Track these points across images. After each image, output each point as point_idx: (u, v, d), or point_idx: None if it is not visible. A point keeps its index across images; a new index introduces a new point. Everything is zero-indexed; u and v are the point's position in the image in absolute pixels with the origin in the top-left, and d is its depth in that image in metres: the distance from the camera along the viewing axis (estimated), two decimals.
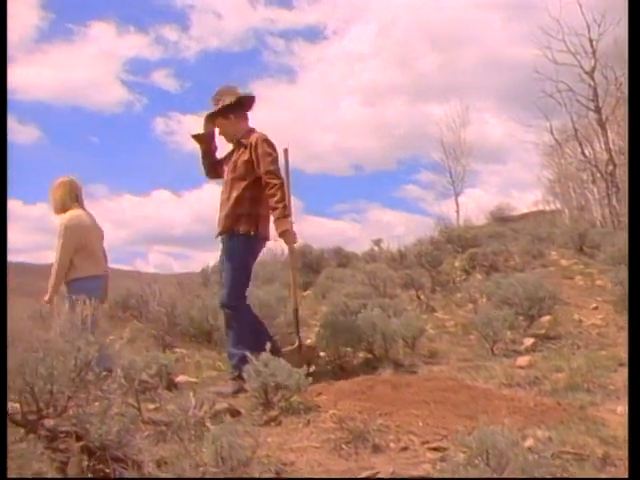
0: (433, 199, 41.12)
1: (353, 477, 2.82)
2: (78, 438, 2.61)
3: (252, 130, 4.93)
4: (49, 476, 2.29)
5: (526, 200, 44.62)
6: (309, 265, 11.00)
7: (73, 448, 2.52)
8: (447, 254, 11.70)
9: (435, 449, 3.19)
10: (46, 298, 5.18)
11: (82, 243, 5.14)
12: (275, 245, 14.83)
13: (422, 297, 8.39)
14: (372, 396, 3.85)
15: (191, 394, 3.73)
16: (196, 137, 5.07)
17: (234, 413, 3.58)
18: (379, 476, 2.87)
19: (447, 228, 16.63)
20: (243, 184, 4.75)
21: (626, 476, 2.72)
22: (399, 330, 5.13)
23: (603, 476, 2.89)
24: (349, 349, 4.81)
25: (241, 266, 4.74)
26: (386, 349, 5.01)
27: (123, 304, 7.89)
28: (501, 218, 23.76)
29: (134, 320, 7.48)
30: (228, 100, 4.88)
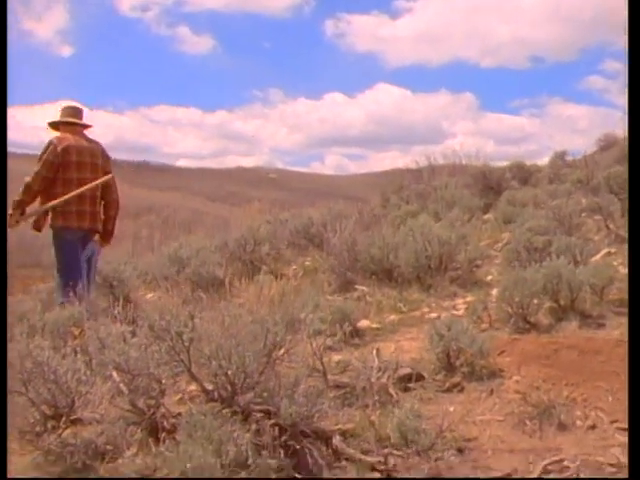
0: (619, 90, 38.00)
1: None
2: (269, 416, 2.78)
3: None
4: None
5: None
6: (489, 186, 10.64)
7: (266, 427, 2.68)
8: None
9: (626, 430, 3.06)
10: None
11: None
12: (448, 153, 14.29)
13: (611, 226, 7.88)
14: (557, 362, 3.73)
15: (374, 353, 3.83)
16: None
17: (418, 377, 3.62)
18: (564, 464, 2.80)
19: None
20: None
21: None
22: (587, 279, 4.86)
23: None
24: (534, 300, 4.65)
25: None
26: (572, 299, 4.79)
27: (304, 232, 8.11)
28: None
29: (314, 250, 7.69)
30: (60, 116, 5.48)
